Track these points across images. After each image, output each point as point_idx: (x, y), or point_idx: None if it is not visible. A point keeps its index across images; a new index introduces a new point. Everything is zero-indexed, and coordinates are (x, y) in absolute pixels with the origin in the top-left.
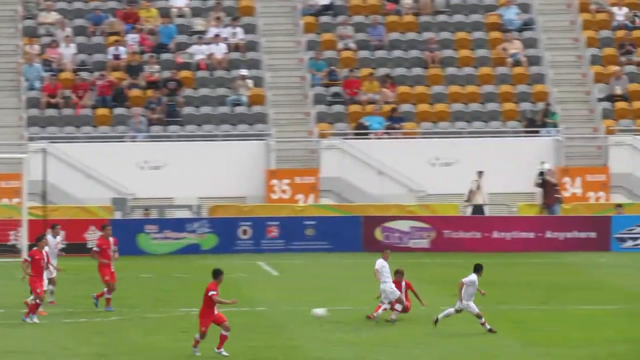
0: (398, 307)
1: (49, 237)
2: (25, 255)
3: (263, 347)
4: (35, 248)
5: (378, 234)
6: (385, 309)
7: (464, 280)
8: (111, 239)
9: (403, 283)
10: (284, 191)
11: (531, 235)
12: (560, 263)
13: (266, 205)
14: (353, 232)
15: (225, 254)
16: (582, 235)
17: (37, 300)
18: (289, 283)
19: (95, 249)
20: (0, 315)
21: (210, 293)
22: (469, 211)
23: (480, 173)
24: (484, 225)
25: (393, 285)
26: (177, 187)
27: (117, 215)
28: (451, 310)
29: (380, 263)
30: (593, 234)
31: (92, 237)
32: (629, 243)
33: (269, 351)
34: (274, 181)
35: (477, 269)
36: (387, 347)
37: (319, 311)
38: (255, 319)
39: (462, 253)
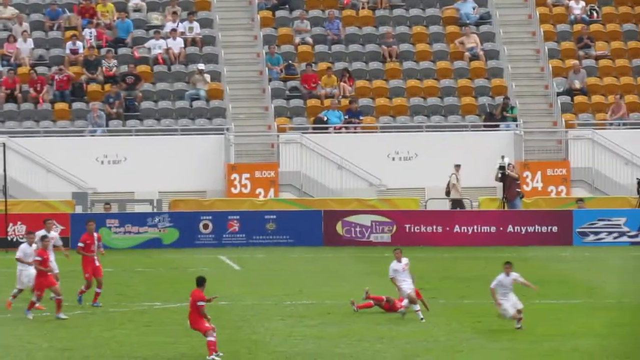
0: (404, 302)
1: (43, 232)
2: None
3: (226, 342)
4: (39, 247)
5: (339, 228)
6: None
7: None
8: (95, 235)
9: None
10: (244, 185)
11: (493, 229)
12: (522, 257)
13: (227, 200)
14: (314, 227)
15: (187, 248)
16: (544, 229)
17: (36, 297)
18: (251, 277)
19: (79, 244)
20: None
21: (200, 303)
22: (448, 205)
23: (457, 166)
24: (445, 219)
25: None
26: (137, 181)
27: (78, 210)
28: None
29: (394, 267)
30: (555, 228)
31: (54, 231)
32: (591, 237)
33: (232, 345)
34: (234, 175)
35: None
36: (351, 340)
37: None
38: (218, 313)
39: (423, 247)
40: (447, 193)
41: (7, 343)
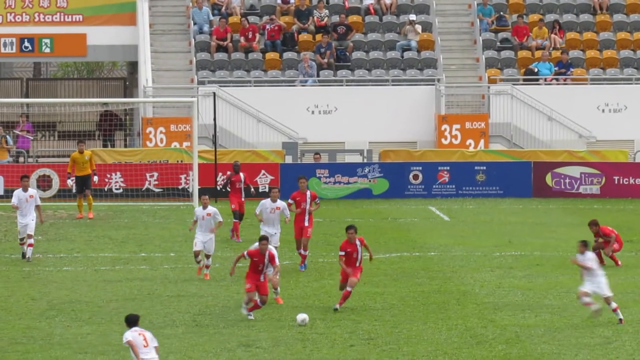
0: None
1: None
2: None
3: (435, 292)
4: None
5: (548, 179)
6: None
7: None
8: (308, 193)
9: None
10: (454, 136)
11: None
12: None
13: (437, 150)
14: (523, 178)
15: (397, 198)
16: None
17: None
18: (460, 228)
19: (289, 201)
20: (170, 259)
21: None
22: None
23: None
24: None
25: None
26: (347, 131)
27: (288, 160)
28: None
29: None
30: None
31: (264, 181)
32: None
33: (441, 296)
34: (445, 126)
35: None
36: (559, 292)
37: (301, 318)
38: (427, 263)
39: (632, 199)
40: None
41: (216, 293)
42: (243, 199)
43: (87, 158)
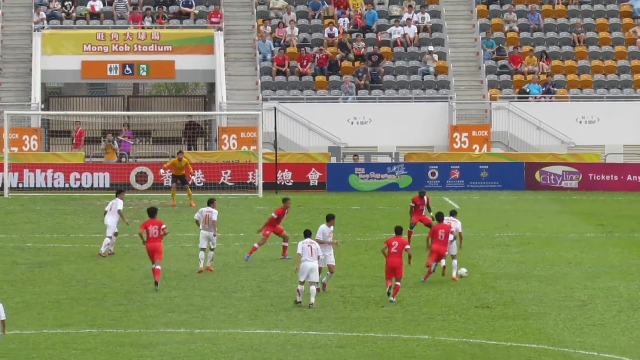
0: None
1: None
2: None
3: (448, 265)
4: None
5: (537, 176)
6: None
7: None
8: (286, 212)
9: None
10: (463, 142)
11: None
12: None
13: (450, 153)
14: (517, 175)
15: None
16: None
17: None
18: (468, 214)
19: (274, 215)
20: (240, 238)
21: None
22: None
23: None
24: (620, 170)
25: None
26: (379, 138)
27: (333, 160)
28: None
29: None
30: None
31: (314, 177)
32: None
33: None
34: (456, 134)
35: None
36: (545, 265)
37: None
38: None
39: (603, 192)
40: None
41: (276, 265)
42: (429, 217)
43: (184, 165)
